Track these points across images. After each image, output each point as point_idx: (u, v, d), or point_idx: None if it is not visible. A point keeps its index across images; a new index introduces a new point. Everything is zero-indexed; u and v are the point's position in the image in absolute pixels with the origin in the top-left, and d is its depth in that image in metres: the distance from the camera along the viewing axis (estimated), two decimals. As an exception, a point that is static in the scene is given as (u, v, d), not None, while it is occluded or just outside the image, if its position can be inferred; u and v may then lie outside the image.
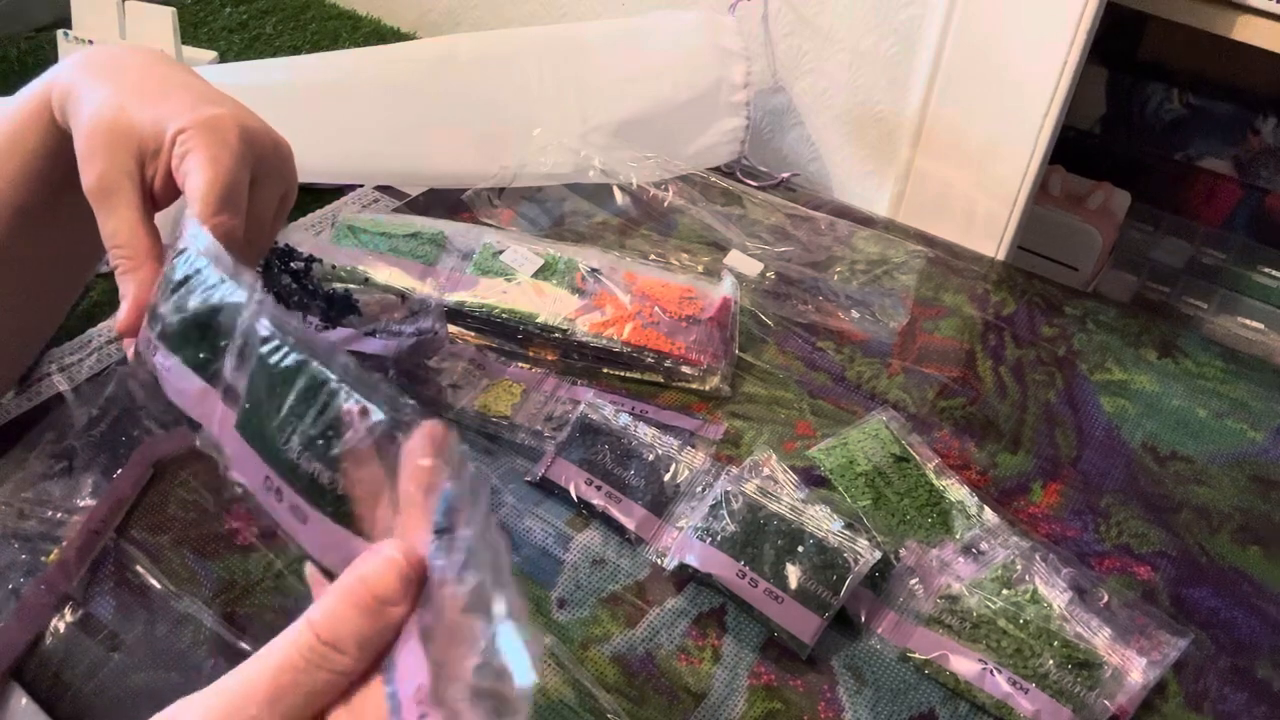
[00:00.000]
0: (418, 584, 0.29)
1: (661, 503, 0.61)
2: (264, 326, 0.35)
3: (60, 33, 0.94)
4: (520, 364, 0.71)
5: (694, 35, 0.91)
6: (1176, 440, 0.71)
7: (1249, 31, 0.84)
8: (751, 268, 0.81)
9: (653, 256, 0.81)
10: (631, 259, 0.79)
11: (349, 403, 0.32)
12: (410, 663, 0.28)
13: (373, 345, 0.69)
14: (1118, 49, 1.12)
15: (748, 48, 0.91)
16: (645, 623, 0.57)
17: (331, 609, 0.29)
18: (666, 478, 0.62)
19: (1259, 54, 0.84)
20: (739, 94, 0.92)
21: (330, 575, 0.31)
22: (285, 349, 0.34)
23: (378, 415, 0.32)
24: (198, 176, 0.45)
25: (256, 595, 0.56)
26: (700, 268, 0.81)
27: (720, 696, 0.54)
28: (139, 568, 0.57)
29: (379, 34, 1.17)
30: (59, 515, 0.57)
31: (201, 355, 0.37)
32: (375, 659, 0.29)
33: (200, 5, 1.14)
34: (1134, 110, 1.17)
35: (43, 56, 1.01)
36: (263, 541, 0.59)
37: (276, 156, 0.51)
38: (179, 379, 0.38)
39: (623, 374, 0.71)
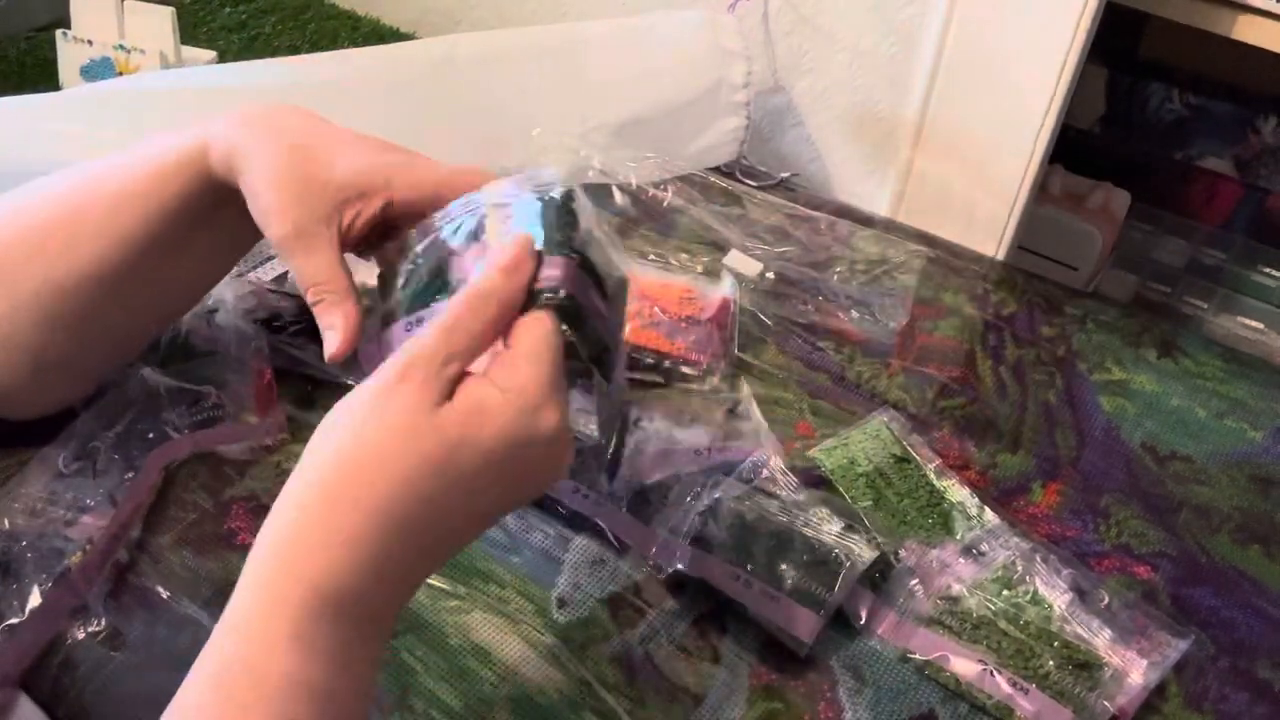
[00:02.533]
0: (534, 254, 0.44)
1: (649, 511, 0.60)
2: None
3: (59, 32, 0.94)
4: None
5: (694, 35, 0.91)
6: (1176, 440, 0.71)
7: (1249, 31, 0.83)
8: (751, 268, 0.81)
9: (652, 256, 0.81)
10: (631, 259, 0.79)
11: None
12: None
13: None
14: (1118, 48, 1.12)
15: (748, 47, 0.91)
16: (645, 623, 0.57)
17: (481, 275, 0.43)
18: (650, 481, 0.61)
19: (1260, 54, 0.84)
20: (739, 94, 0.91)
21: None
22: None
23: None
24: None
25: (256, 596, 0.56)
26: (700, 268, 0.80)
27: (720, 697, 0.54)
28: (139, 569, 0.57)
29: (378, 34, 1.17)
30: (69, 515, 0.57)
31: None
32: (508, 319, 0.43)
33: (199, 5, 1.14)
34: (1134, 110, 1.17)
35: (41, 56, 1.00)
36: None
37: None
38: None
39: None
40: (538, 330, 0.43)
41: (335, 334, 0.50)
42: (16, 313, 0.55)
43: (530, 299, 0.44)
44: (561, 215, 0.47)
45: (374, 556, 0.39)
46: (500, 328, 0.43)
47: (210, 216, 0.55)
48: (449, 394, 0.41)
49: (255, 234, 0.55)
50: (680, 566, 0.57)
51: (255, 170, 0.51)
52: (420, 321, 0.47)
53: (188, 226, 0.55)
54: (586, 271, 0.46)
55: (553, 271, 0.45)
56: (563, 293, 0.44)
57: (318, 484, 0.40)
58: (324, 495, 0.39)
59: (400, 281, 0.50)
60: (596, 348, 0.47)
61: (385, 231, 0.53)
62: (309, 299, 0.51)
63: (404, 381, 0.40)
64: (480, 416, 0.40)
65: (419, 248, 0.50)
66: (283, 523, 0.40)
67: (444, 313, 0.42)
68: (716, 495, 0.59)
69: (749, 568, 0.56)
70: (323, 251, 0.50)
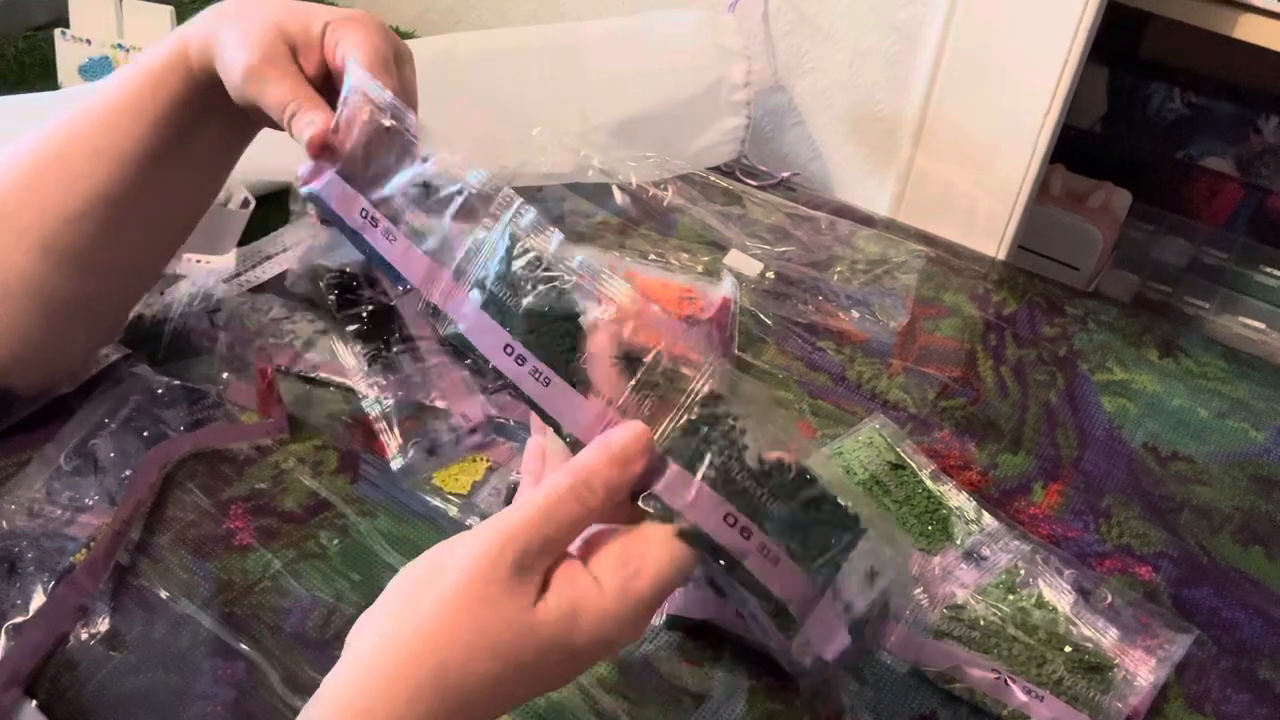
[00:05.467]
0: (651, 452, 0.40)
1: None
2: (508, 236, 0.45)
3: (58, 32, 0.94)
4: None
5: (694, 35, 0.91)
6: (1178, 440, 0.71)
7: (1250, 30, 0.83)
8: (751, 267, 0.81)
9: (652, 256, 0.81)
10: (631, 259, 0.78)
11: (588, 307, 0.43)
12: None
13: None
14: (1119, 48, 1.12)
15: (748, 47, 0.91)
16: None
17: (589, 460, 0.40)
18: None
19: (1260, 53, 0.84)
20: (739, 93, 0.91)
21: (555, 426, 0.42)
22: (529, 257, 0.44)
23: (599, 314, 0.42)
24: (357, 53, 0.53)
25: (254, 595, 0.56)
26: (700, 267, 0.80)
27: (721, 698, 0.53)
28: (137, 569, 0.57)
29: (378, 33, 1.16)
30: (68, 514, 0.57)
31: (418, 228, 0.47)
32: (613, 507, 0.40)
33: (198, 4, 1.14)
34: (1135, 109, 1.17)
35: (40, 55, 1.00)
36: (261, 542, 0.59)
37: (406, 48, 0.57)
38: (397, 247, 0.48)
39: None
40: (668, 555, 0.40)
41: (314, 126, 0.51)
42: (24, 256, 0.56)
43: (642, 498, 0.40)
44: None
45: None
46: (602, 518, 0.40)
47: (199, 119, 0.57)
48: (544, 583, 0.39)
49: (241, 140, 0.58)
50: (679, 611, 0.55)
51: (226, 41, 0.54)
52: (383, 228, 0.48)
53: (180, 134, 0.57)
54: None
55: (686, 495, 0.40)
56: (691, 527, 0.39)
57: (393, 650, 0.38)
58: (397, 666, 0.37)
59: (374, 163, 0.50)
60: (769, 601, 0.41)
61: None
62: (285, 116, 0.53)
63: (503, 570, 0.38)
64: (575, 621, 0.38)
65: (409, 173, 0.49)
66: (357, 678, 0.38)
67: (546, 489, 0.39)
68: None
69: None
70: (289, 75, 0.53)
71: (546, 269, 0.44)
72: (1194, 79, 1.12)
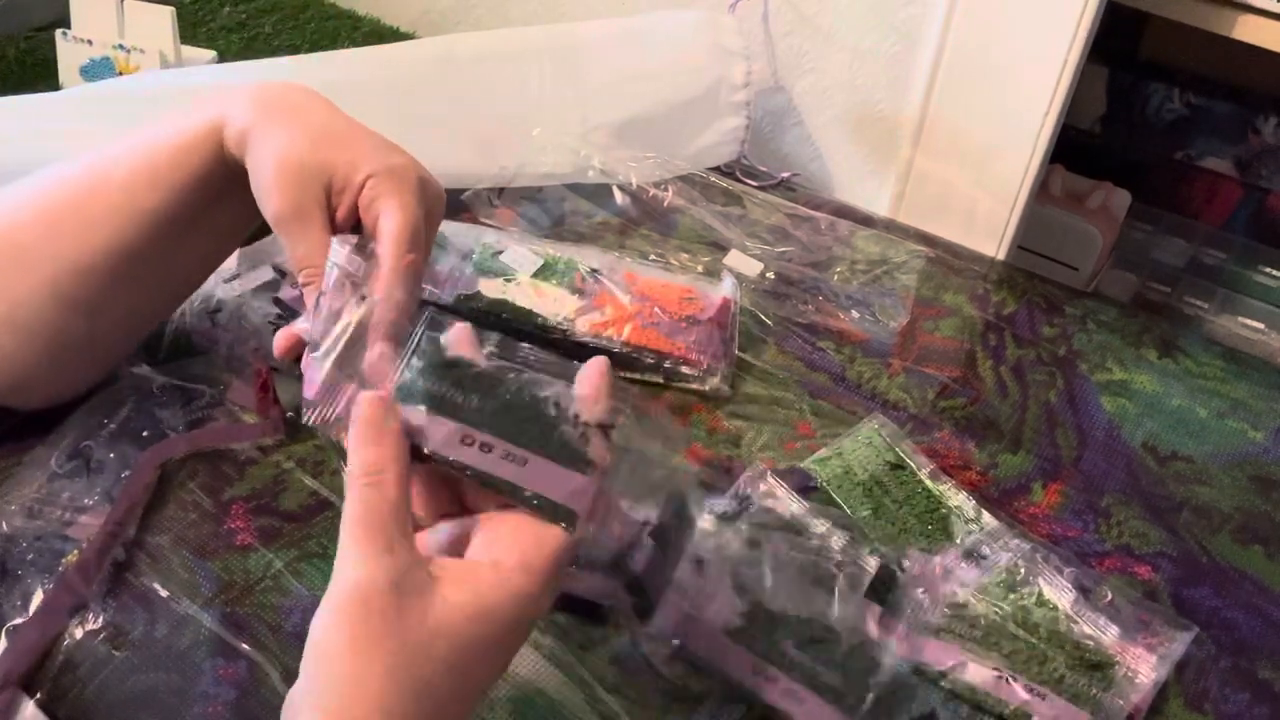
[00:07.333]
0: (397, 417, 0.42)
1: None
2: (426, 339, 0.44)
3: (59, 32, 0.94)
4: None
5: (694, 35, 0.91)
6: (1177, 440, 0.71)
7: (1250, 31, 0.84)
8: (751, 268, 0.81)
9: (653, 256, 0.81)
10: (631, 259, 0.78)
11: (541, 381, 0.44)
12: None
13: None
14: (1118, 48, 1.12)
15: (748, 47, 0.91)
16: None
17: (360, 455, 0.41)
18: None
19: (1260, 53, 0.84)
20: (739, 93, 0.92)
21: (535, 500, 0.43)
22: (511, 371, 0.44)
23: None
24: (391, 220, 0.52)
25: (256, 595, 0.56)
26: (700, 268, 0.80)
27: (721, 698, 0.53)
28: (138, 568, 0.57)
29: (378, 33, 1.17)
30: (68, 515, 0.57)
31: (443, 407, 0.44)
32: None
33: (199, 5, 1.14)
34: (1134, 110, 1.17)
35: (41, 56, 1.00)
36: (262, 542, 0.59)
37: (438, 201, 0.56)
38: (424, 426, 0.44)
39: (622, 375, 0.71)
40: (549, 546, 0.42)
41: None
42: (34, 295, 0.56)
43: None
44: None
45: None
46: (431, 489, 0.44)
47: (222, 193, 0.57)
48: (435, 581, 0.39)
49: (258, 213, 0.57)
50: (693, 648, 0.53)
51: (264, 150, 0.53)
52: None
53: (202, 203, 0.57)
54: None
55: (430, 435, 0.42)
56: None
57: (323, 690, 0.39)
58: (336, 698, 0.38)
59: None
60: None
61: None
62: (301, 279, 0.53)
63: (380, 595, 0.38)
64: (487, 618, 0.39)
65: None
66: None
67: (348, 512, 0.40)
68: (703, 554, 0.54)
69: (773, 661, 0.52)
70: (314, 233, 0.52)
71: (503, 354, 0.45)
72: (1193, 79, 1.13)
